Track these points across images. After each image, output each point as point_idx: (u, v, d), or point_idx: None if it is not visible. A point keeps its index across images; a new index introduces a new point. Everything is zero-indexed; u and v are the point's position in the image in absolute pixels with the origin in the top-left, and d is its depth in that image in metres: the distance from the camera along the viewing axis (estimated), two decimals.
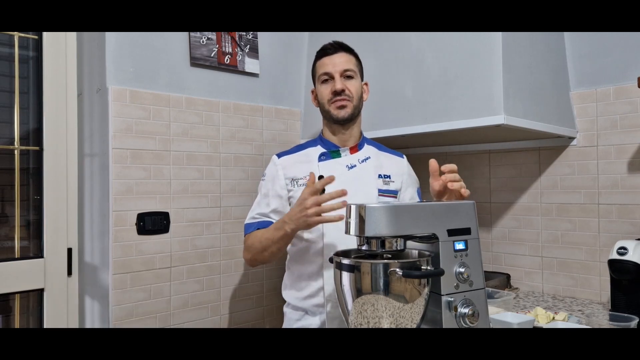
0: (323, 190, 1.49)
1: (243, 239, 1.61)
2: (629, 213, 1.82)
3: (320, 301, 1.50)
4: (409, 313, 1.11)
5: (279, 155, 1.62)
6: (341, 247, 1.39)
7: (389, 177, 1.59)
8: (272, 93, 2.22)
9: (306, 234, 1.52)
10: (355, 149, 1.60)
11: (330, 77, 1.55)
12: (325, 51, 1.57)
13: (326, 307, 1.48)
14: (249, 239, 1.55)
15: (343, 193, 1.28)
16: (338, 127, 1.58)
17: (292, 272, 1.58)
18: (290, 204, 1.56)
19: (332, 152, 1.58)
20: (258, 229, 1.54)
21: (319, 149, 1.60)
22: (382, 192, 1.55)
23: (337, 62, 1.55)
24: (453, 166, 1.30)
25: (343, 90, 1.53)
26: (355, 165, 1.57)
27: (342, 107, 1.54)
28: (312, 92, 1.65)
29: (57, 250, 1.82)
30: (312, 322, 1.52)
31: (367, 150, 1.63)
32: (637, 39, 1.81)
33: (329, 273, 1.45)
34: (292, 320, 1.57)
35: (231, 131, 2.06)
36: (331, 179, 1.31)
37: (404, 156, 1.71)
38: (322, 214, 1.31)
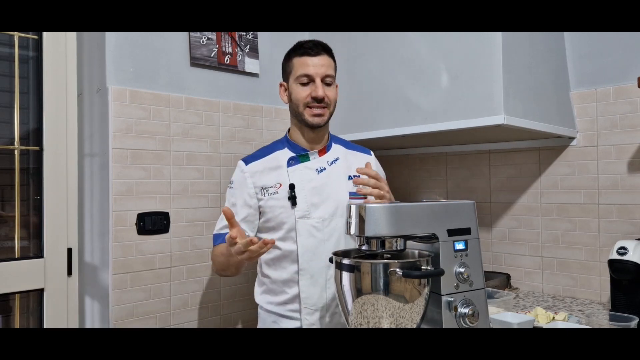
0: (292, 191, 1.47)
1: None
2: (629, 213, 1.82)
3: (296, 307, 1.49)
4: (409, 313, 1.11)
5: (246, 162, 1.54)
6: (316, 254, 1.44)
7: (358, 177, 1.56)
8: (272, 93, 2.21)
9: (279, 243, 1.49)
10: (323, 150, 1.56)
11: (310, 80, 1.48)
12: (307, 50, 1.49)
13: (301, 311, 1.47)
14: (213, 252, 1.54)
15: (253, 242, 1.21)
16: (308, 131, 1.53)
17: (266, 278, 1.55)
18: (260, 213, 1.53)
19: (300, 157, 1.53)
20: (223, 242, 1.47)
21: (287, 152, 1.54)
22: (352, 195, 1.50)
23: (319, 66, 1.48)
24: (370, 171, 1.37)
25: (323, 98, 1.48)
26: (325, 169, 1.53)
27: (319, 115, 1.48)
28: (281, 85, 1.57)
29: (57, 250, 1.82)
30: (289, 325, 1.50)
31: (335, 150, 1.59)
32: (637, 39, 1.81)
33: (305, 280, 1.46)
34: (268, 322, 1.55)
35: (231, 131, 2.06)
36: (253, 242, 1.22)
37: (372, 152, 1.67)
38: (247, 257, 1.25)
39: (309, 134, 1.54)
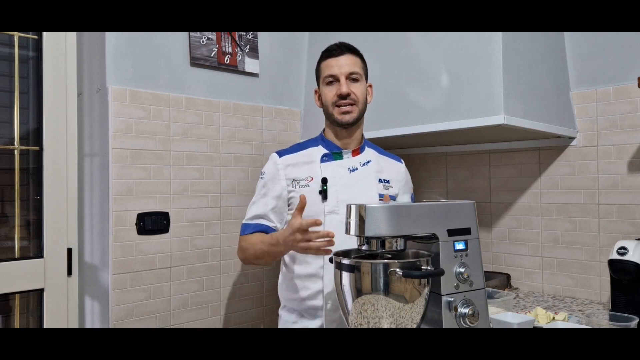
0: (325, 192, 1.49)
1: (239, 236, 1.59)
2: (629, 213, 1.82)
3: (318, 304, 1.48)
4: (409, 313, 1.11)
5: (280, 154, 1.58)
6: (342, 247, 1.38)
7: (388, 182, 1.59)
8: (272, 93, 2.22)
9: None
10: (357, 151, 1.59)
11: (335, 80, 1.52)
12: (331, 52, 1.54)
13: (325, 308, 1.47)
14: (244, 241, 1.54)
15: (330, 235, 1.26)
16: (341, 130, 1.56)
17: (289, 272, 1.56)
18: (289, 205, 1.55)
19: (334, 154, 1.56)
20: (255, 231, 1.52)
21: (321, 150, 1.57)
22: (382, 197, 1.54)
23: (343, 64, 1.51)
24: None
25: (348, 94, 1.50)
26: (356, 169, 1.56)
27: (347, 112, 1.51)
28: (316, 92, 1.62)
29: (57, 250, 1.82)
30: (309, 325, 1.50)
31: (368, 153, 1.62)
32: (637, 39, 1.81)
33: (329, 275, 1.44)
34: (288, 322, 1.55)
35: (231, 131, 2.06)
36: (317, 224, 1.26)
37: (402, 161, 1.71)
38: (311, 247, 1.29)
39: (342, 134, 1.57)
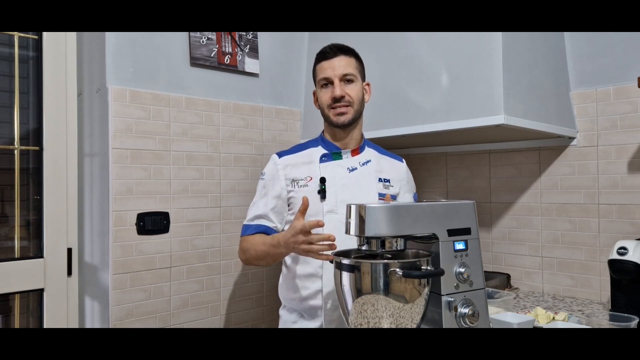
0: (321, 191, 1.48)
1: (240, 237, 1.60)
2: (629, 213, 1.82)
3: (317, 303, 1.49)
4: (409, 313, 1.11)
5: (280, 155, 1.60)
6: (342, 248, 1.38)
7: (388, 181, 1.59)
8: (272, 93, 2.22)
9: None
10: (356, 151, 1.59)
11: (329, 82, 1.52)
12: (324, 55, 1.54)
13: (324, 308, 1.47)
14: (246, 242, 1.55)
15: (331, 238, 1.25)
16: (339, 131, 1.57)
17: (289, 272, 1.56)
18: (289, 204, 1.56)
19: (333, 154, 1.57)
20: (256, 232, 1.53)
21: (321, 150, 1.58)
22: (381, 197, 1.54)
23: (336, 67, 1.51)
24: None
25: (343, 97, 1.50)
26: (356, 168, 1.56)
27: (342, 113, 1.52)
28: (314, 94, 1.63)
29: (57, 250, 1.82)
30: (309, 325, 1.51)
31: (368, 153, 1.62)
32: (637, 39, 1.81)
33: (328, 275, 1.44)
34: (288, 322, 1.56)
35: (231, 131, 2.06)
36: (320, 225, 1.26)
37: (403, 160, 1.71)
38: (312, 250, 1.28)
39: (340, 135, 1.58)
